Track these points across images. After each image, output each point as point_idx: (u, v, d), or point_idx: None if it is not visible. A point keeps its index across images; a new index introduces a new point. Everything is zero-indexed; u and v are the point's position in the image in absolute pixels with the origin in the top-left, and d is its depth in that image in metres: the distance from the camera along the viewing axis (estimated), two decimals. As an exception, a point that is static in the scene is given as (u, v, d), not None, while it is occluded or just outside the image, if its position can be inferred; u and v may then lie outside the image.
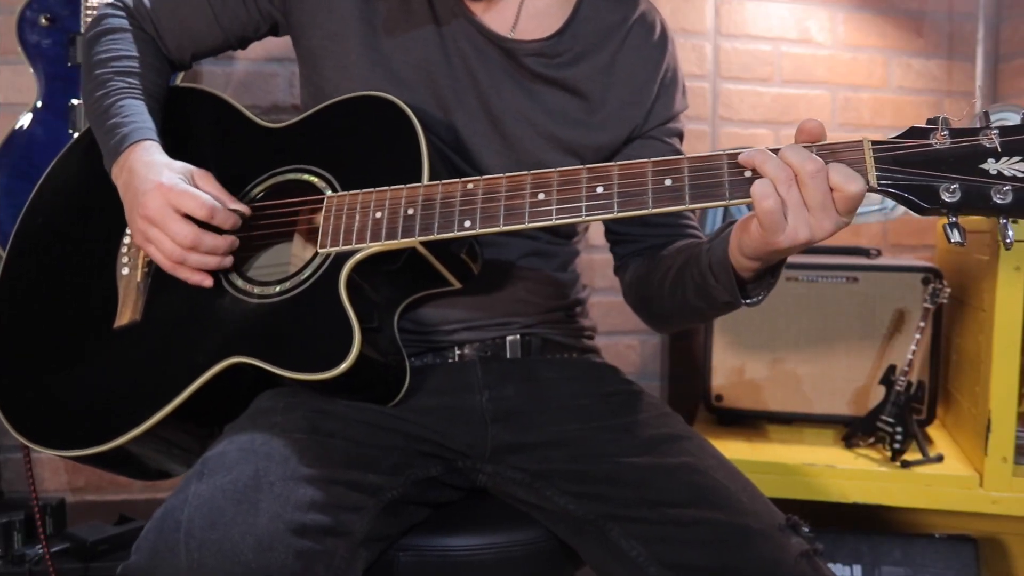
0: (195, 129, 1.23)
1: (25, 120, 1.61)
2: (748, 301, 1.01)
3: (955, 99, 2.20)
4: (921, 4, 2.19)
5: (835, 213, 0.86)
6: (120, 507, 1.84)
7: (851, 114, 2.20)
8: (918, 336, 1.66)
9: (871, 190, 0.86)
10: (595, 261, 2.07)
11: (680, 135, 1.28)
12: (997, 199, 0.82)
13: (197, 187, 1.07)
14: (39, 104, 1.62)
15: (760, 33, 2.15)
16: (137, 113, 1.13)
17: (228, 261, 1.07)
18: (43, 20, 1.61)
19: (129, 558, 0.87)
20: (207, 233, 1.04)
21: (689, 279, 1.07)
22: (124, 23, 1.22)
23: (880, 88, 2.20)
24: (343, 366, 0.96)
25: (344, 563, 0.92)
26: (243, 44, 1.27)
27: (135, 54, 1.19)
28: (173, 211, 1.03)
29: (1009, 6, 2.17)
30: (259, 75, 1.91)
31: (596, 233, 2.09)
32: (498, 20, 1.17)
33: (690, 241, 1.18)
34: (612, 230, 1.28)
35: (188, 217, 1.03)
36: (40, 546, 1.62)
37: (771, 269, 0.99)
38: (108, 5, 1.25)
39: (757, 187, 0.86)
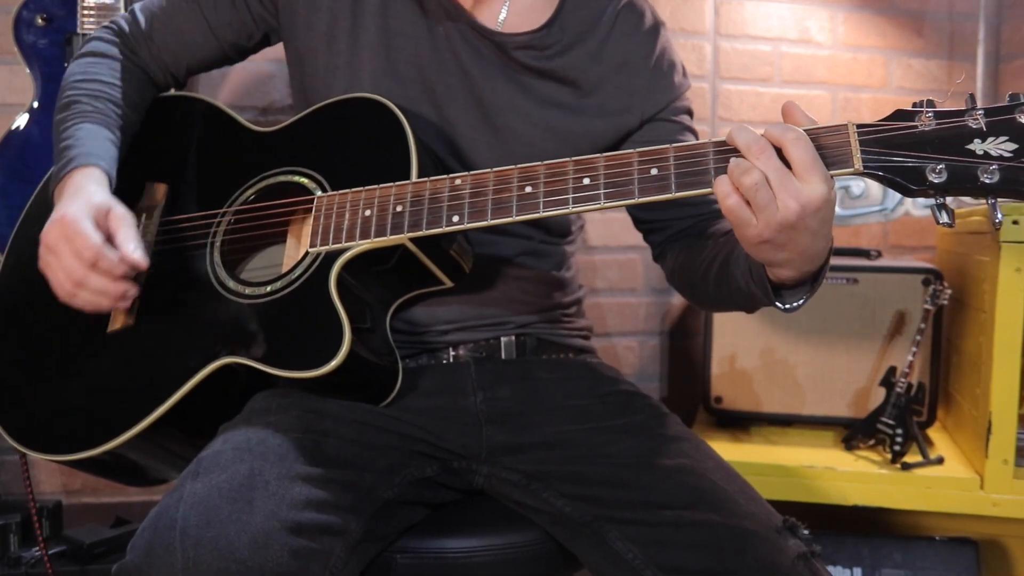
0: (186, 136, 1.23)
1: (21, 120, 1.61)
2: (786, 307, 0.98)
3: (956, 99, 2.19)
4: (921, 4, 2.18)
5: (795, 184, 0.84)
6: (117, 509, 1.84)
7: (851, 114, 2.19)
8: (918, 338, 1.65)
9: (857, 173, 0.85)
10: (595, 262, 2.07)
11: (689, 111, 1.26)
12: (984, 179, 0.82)
13: (108, 227, 1.02)
14: (35, 104, 1.61)
15: (760, 33, 2.14)
16: (90, 138, 1.11)
17: (124, 305, 1.04)
18: (39, 20, 1.60)
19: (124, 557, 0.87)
20: (95, 274, 1.00)
21: (731, 278, 1.04)
22: (112, 49, 1.21)
23: (880, 88, 2.19)
24: (333, 363, 0.96)
25: (340, 562, 0.92)
26: (238, 53, 1.26)
27: (110, 81, 1.18)
28: (68, 245, 1.00)
29: (1010, 6, 2.16)
30: (256, 76, 1.90)
31: (595, 234, 2.09)
32: (486, 15, 1.18)
33: (730, 234, 1.13)
34: (640, 219, 1.26)
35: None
36: (37, 548, 1.62)
37: (814, 275, 0.96)
38: (103, 27, 1.25)
39: (718, 187, 0.86)
